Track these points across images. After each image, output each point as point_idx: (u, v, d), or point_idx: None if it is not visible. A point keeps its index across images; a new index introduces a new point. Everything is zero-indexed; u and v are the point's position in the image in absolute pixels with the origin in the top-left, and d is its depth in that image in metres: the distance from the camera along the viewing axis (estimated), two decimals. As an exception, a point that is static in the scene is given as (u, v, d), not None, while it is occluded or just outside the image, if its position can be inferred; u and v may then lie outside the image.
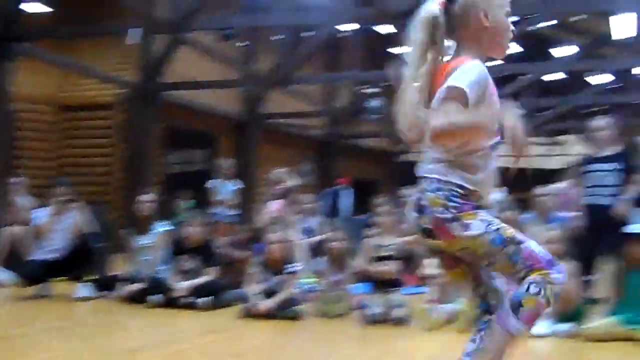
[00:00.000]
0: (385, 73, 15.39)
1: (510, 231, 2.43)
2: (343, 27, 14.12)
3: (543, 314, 2.44)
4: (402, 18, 9.29)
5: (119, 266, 7.42)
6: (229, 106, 15.96)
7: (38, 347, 4.11)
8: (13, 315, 5.46)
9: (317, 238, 8.41)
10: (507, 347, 2.46)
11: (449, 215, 2.41)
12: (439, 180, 2.45)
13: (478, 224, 2.41)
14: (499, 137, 2.48)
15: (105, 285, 6.57)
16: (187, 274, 6.10)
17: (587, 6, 10.23)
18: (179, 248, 6.25)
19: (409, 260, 7.16)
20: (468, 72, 2.39)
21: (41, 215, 6.51)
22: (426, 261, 6.76)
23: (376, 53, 16.78)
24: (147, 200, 6.49)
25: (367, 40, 15.93)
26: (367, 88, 16.03)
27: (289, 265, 5.71)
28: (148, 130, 13.27)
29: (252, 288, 5.65)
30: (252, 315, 5.42)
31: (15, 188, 8.49)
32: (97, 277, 6.76)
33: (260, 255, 6.06)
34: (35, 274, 6.26)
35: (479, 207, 2.46)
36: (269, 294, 5.56)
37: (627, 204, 6.15)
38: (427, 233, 2.50)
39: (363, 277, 6.11)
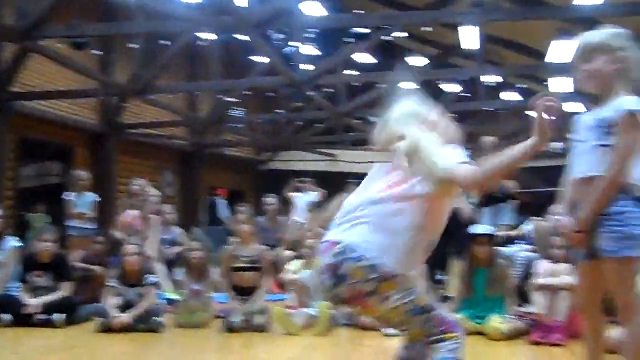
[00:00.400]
0: (245, 82, 15.39)
1: (424, 299, 2.44)
2: (203, 36, 14.04)
3: None
4: (261, 27, 9.38)
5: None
6: (86, 117, 15.46)
7: None
8: None
9: (177, 249, 8.35)
10: None
11: (369, 289, 2.37)
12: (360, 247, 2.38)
13: (397, 296, 2.38)
14: None
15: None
16: (40, 291, 5.88)
17: (434, 19, 10.77)
18: (30, 264, 6.01)
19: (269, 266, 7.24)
20: None
21: None
22: (286, 267, 6.88)
23: (236, 62, 16.82)
24: (-6, 215, 6.20)
25: (227, 49, 15.93)
26: (229, 97, 16.01)
27: (147, 277, 5.64)
28: (-1, 142, 12.62)
29: (110, 302, 5.53)
30: (111, 329, 5.31)
31: None
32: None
33: (117, 268, 5.94)
34: None
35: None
36: (127, 307, 5.47)
37: (472, 206, 6.56)
38: (341, 300, 2.48)
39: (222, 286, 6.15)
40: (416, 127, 2.49)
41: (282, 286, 7.16)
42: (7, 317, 5.67)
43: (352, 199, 2.52)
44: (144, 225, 8.19)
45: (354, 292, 2.38)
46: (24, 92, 13.21)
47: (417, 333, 2.43)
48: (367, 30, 11.63)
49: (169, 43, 12.80)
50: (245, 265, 5.66)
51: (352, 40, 12.10)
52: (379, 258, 2.36)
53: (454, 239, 5.87)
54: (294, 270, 6.68)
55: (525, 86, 18.68)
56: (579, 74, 2.98)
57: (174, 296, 6.97)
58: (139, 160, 17.13)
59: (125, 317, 5.33)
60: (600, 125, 2.85)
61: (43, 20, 9.68)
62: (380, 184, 2.48)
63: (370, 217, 2.41)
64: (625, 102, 2.80)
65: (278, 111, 19.20)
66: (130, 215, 8.51)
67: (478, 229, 5.78)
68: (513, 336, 5.06)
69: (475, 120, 17.48)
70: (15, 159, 13.77)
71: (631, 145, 2.76)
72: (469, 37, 12.84)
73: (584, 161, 2.89)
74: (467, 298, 5.47)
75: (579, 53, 2.98)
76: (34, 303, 5.70)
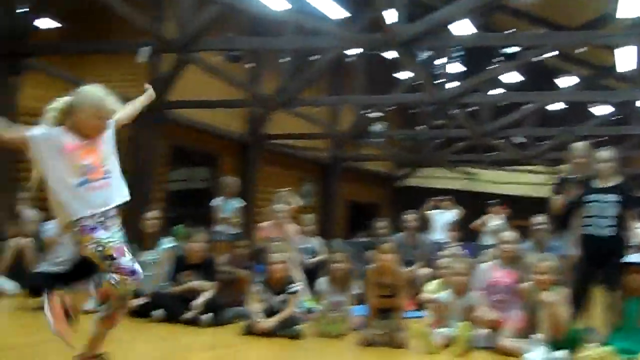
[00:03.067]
0: (389, 97, 15.46)
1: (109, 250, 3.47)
2: (349, 51, 14.28)
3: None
4: (410, 44, 9.41)
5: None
6: (233, 126, 16.10)
7: (43, 357, 4.18)
8: (18, 325, 5.53)
9: (318, 259, 8.51)
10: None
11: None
12: None
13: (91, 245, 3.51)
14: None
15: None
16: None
17: (588, 39, 10.37)
18: (181, 264, 6.33)
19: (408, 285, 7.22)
20: None
21: (48, 229, 6.59)
22: (424, 287, 6.86)
23: (380, 77, 16.95)
24: (152, 217, 6.58)
25: (371, 65, 16.09)
26: (371, 112, 16.15)
27: (290, 286, 5.79)
28: (153, 147, 13.39)
29: (254, 306, 5.73)
30: (253, 333, 5.50)
31: (21, 201, 8.59)
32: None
33: (261, 274, 6.14)
34: (40, 286, 6.34)
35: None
36: (270, 312, 5.64)
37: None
38: None
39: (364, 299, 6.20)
40: None
41: (419, 304, 7.13)
42: (159, 313, 5.99)
43: None
44: (282, 234, 8.41)
45: None
46: (178, 101, 13.94)
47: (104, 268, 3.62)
48: (516, 49, 11.39)
49: (316, 57, 13.11)
50: (386, 294, 5.66)
51: (501, 58, 11.88)
52: None
53: (604, 269, 5.65)
54: (431, 289, 6.65)
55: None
56: None
57: (312, 305, 7.12)
58: (280, 169, 17.60)
59: (269, 322, 5.49)
60: None
61: (201, 33, 10.21)
62: None
63: None
64: None
65: (419, 127, 19.12)
66: (267, 225, 8.78)
67: (631, 258, 5.52)
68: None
69: (629, 144, 16.66)
70: (166, 164, 14.56)
71: None
72: (626, 58, 12.27)
73: None
74: (617, 329, 5.24)
75: None
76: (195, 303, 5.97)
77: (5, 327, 5.01)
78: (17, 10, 10.21)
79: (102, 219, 3.49)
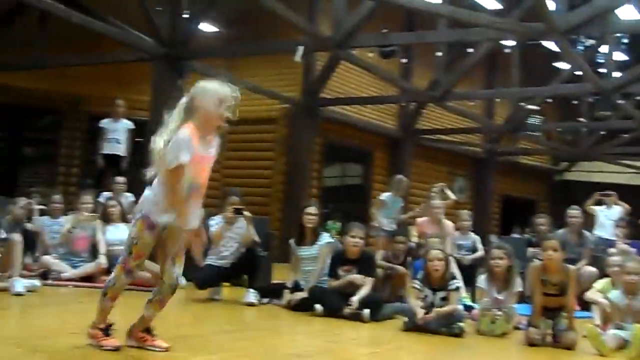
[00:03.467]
0: (547, 89, 14.87)
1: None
2: (504, 42, 13.87)
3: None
4: (572, 32, 8.97)
5: (281, 275, 7.70)
6: (385, 122, 16.13)
7: (213, 347, 4.35)
8: (188, 316, 5.80)
9: (475, 255, 8.35)
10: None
11: None
12: None
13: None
14: None
15: (271, 292, 6.85)
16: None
17: None
18: (339, 259, 6.39)
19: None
20: None
21: (213, 224, 6.88)
22: (593, 285, 6.55)
23: (538, 68, 16.33)
24: (313, 212, 6.69)
25: (527, 56, 15.53)
26: (527, 104, 15.62)
27: (452, 282, 5.69)
28: (307, 144, 13.68)
29: (414, 302, 5.69)
30: (414, 329, 5.46)
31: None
32: (262, 284, 7.06)
33: (420, 271, 6.09)
34: (208, 279, 6.65)
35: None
36: (430, 309, 5.57)
37: None
38: None
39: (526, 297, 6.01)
40: None
41: (583, 303, 6.81)
42: (319, 307, 6.08)
43: None
44: (439, 230, 8.32)
45: None
46: (332, 98, 14.15)
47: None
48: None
49: (471, 50, 12.84)
50: (552, 292, 5.43)
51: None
52: None
53: None
54: (600, 288, 6.33)
55: None
56: None
57: (471, 303, 6.98)
58: (432, 165, 17.44)
59: (430, 319, 5.44)
60: None
61: (355, 30, 10.29)
62: None
63: None
64: None
65: (579, 120, 18.25)
66: (424, 220, 8.72)
67: None
68: None
69: None
70: (320, 160, 14.83)
71: None
72: None
73: None
74: None
75: None
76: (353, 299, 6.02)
77: (177, 318, 5.28)
78: (181, 16, 10.77)
79: None
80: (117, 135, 10.16)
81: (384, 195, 9.66)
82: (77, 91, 13.53)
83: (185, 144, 3.49)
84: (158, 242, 3.73)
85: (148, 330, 3.83)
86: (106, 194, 9.10)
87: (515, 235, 14.75)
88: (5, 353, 3.59)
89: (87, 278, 7.33)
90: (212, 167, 3.74)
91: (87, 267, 7.44)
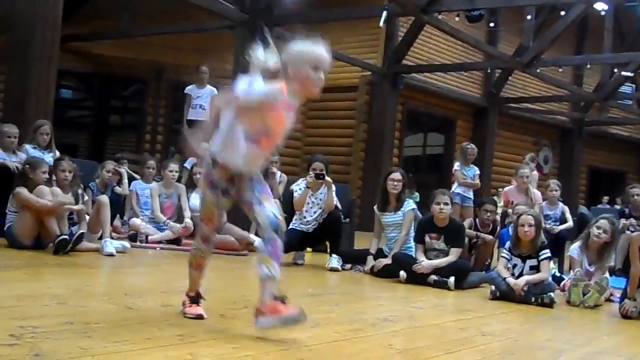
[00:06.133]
0: (640, 55, 14.15)
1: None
2: (597, 6, 13.28)
3: None
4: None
5: (362, 243, 7.66)
6: (469, 90, 15.77)
7: (299, 310, 4.33)
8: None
9: (564, 226, 8.13)
10: None
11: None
12: None
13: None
14: None
15: (353, 258, 6.83)
16: (433, 253, 6.12)
17: None
18: (427, 226, 6.28)
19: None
20: None
21: (296, 189, 6.88)
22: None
23: (632, 34, 15.60)
24: (397, 178, 6.59)
25: (621, 19, 14.85)
26: (620, 71, 14.96)
27: (543, 252, 5.51)
28: (388, 112, 13.53)
29: (501, 271, 5.54)
30: (502, 298, 5.33)
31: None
32: (344, 250, 7.04)
33: (507, 239, 5.93)
34: (292, 242, 6.65)
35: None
36: (519, 277, 5.42)
37: None
38: None
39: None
40: None
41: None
42: (403, 273, 6.01)
43: None
44: (527, 199, 8.10)
45: None
46: (414, 65, 13.91)
47: None
48: None
49: (562, 13, 12.35)
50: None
51: None
52: None
53: None
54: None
55: None
56: None
57: (559, 273, 6.79)
58: (516, 134, 17.01)
59: (520, 287, 5.29)
60: None
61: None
62: None
63: None
64: None
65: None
66: (511, 189, 8.54)
67: None
68: None
69: None
70: (401, 129, 14.65)
71: None
72: None
73: None
74: None
75: None
76: (430, 265, 5.94)
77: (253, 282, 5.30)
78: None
79: None
80: (201, 101, 10.25)
81: (456, 164, 9.48)
82: (161, 60, 13.74)
83: (276, 89, 3.26)
84: (237, 201, 3.47)
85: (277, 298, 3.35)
86: (192, 159, 9.22)
87: (606, 206, 14.26)
88: (100, 309, 3.68)
89: (174, 241, 7.47)
90: (291, 127, 3.51)
91: (174, 230, 7.57)
